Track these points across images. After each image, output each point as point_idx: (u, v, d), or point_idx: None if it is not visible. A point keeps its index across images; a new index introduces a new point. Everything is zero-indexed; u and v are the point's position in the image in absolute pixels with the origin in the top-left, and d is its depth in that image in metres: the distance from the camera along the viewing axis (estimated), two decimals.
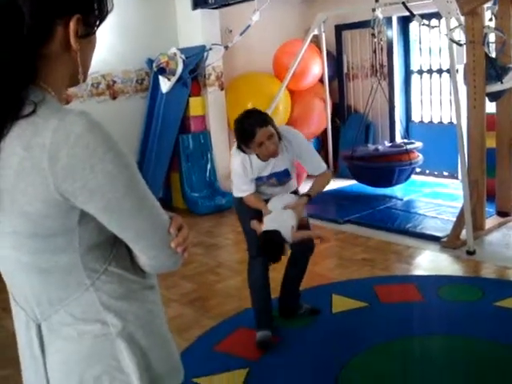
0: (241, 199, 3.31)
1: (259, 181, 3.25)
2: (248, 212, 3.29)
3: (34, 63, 1.11)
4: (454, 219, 5.18)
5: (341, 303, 3.94)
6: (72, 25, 1.13)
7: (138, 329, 1.22)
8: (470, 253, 4.78)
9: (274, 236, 2.92)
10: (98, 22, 1.21)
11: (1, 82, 1.06)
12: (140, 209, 1.15)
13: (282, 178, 3.28)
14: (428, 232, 5.37)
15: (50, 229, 1.11)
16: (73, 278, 1.17)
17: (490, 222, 5.43)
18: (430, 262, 4.88)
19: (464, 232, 4.96)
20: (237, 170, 3.20)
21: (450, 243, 5.00)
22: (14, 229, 1.11)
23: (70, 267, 1.16)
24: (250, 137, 3.02)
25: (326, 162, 8.34)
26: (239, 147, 3.18)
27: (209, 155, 6.89)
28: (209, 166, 6.95)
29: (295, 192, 3.43)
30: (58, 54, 1.14)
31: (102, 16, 1.21)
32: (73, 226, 1.12)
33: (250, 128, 3.01)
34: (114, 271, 1.20)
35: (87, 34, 1.18)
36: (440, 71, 7.71)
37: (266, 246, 2.98)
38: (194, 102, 6.84)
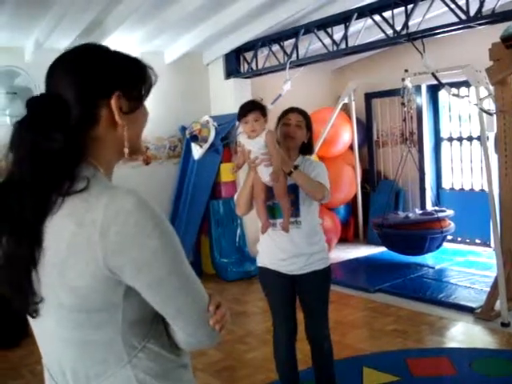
0: (262, 269, 3.26)
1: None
2: (270, 283, 3.25)
3: (83, 145, 1.16)
4: (488, 289, 5.08)
5: (372, 377, 3.84)
6: (113, 103, 1.18)
7: None
8: (505, 325, 4.66)
9: None
10: (142, 95, 1.25)
11: (51, 165, 1.11)
12: (183, 286, 1.18)
13: (289, 191, 3.10)
14: (461, 303, 5.25)
15: (95, 303, 1.13)
16: (112, 353, 1.18)
17: None
18: (463, 333, 4.75)
19: (498, 303, 4.84)
20: None
21: (483, 315, 4.87)
22: (59, 302, 1.14)
23: (111, 342, 1.17)
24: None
25: (356, 228, 8.35)
26: None
27: (239, 221, 6.93)
28: (238, 232, 6.97)
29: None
30: (106, 133, 1.20)
31: (145, 88, 1.26)
32: (118, 301, 1.15)
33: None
34: (151, 348, 1.21)
35: (133, 108, 1.23)
36: (470, 138, 7.72)
37: None
38: (225, 168, 6.91)
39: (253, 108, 2.95)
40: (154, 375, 1.20)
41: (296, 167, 3.01)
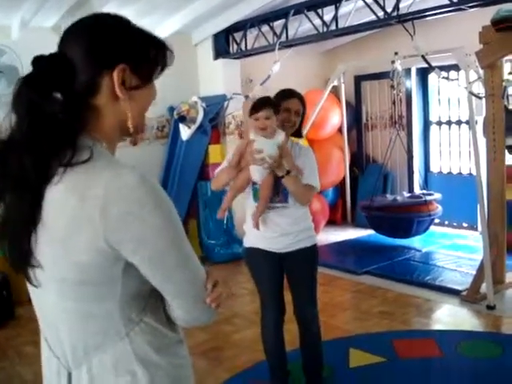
0: (249, 249, 3.27)
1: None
2: (258, 263, 3.25)
3: (83, 113, 1.15)
4: (474, 272, 5.12)
5: (358, 358, 3.87)
6: (115, 75, 1.16)
7: (165, 383, 1.24)
8: (490, 307, 4.71)
9: None
10: (153, 76, 1.25)
11: (50, 131, 1.10)
12: (182, 263, 1.19)
13: (279, 180, 3.10)
14: (447, 285, 5.30)
15: (96, 277, 1.14)
16: (111, 326, 1.20)
17: (510, 275, 5.32)
18: (449, 316, 4.79)
19: (484, 286, 4.89)
20: None
21: (469, 297, 4.92)
22: (62, 276, 1.15)
23: (110, 315, 1.19)
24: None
25: (344, 211, 8.38)
26: None
27: None
28: (226, 214, 6.94)
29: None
30: (106, 104, 1.18)
31: (158, 70, 1.25)
32: (118, 276, 1.16)
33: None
34: (148, 323, 1.22)
35: (139, 85, 1.21)
36: (459, 122, 7.73)
37: None
38: (214, 149, 6.89)
39: (265, 105, 2.94)
40: (151, 349, 1.22)
41: (288, 172, 2.98)
